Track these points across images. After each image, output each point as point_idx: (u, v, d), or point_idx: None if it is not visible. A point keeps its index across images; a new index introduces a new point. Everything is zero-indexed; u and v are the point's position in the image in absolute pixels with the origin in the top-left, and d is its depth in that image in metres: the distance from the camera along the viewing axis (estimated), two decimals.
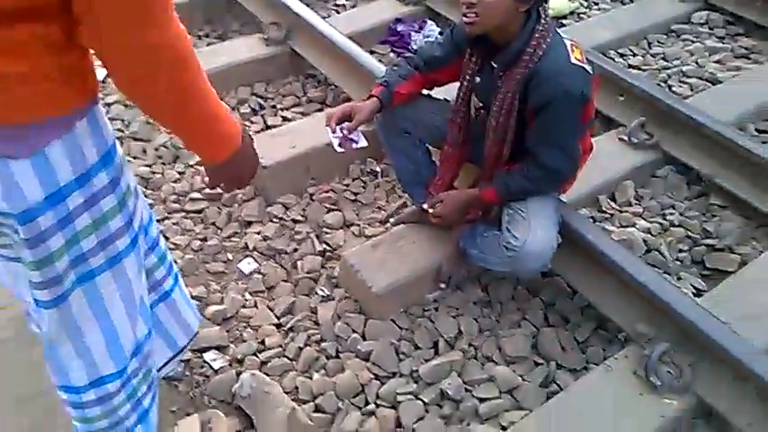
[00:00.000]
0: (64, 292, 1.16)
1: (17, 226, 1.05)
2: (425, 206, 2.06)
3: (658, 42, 3.38)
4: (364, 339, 2.03)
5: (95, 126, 1.09)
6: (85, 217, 1.11)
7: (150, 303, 1.42)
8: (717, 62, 3.19)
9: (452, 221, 2.02)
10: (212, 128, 1.13)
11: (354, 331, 2.04)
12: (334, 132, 1.97)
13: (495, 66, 1.81)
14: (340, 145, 1.97)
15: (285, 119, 2.92)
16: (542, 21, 1.72)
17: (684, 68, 3.13)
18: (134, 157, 2.78)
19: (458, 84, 1.95)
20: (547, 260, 1.84)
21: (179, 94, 1.02)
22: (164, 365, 1.61)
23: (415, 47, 3.28)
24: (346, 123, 1.94)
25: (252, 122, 2.92)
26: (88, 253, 1.15)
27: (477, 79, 1.88)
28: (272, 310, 2.15)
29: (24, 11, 0.89)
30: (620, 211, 2.41)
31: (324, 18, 3.27)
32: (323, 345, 2.03)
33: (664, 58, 3.25)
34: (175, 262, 2.28)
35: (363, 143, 2.00)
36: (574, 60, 1.73)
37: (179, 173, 2.70)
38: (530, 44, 1.70)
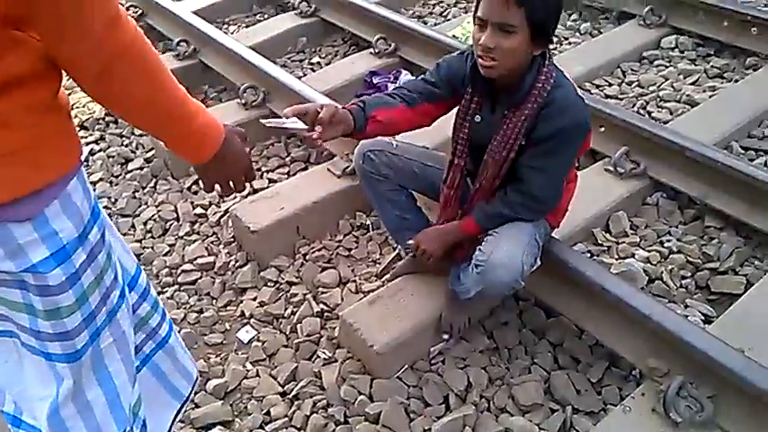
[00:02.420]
0: (78, 349, 1.16)
1: (24, 275, 1.05)
2: (410, 242, 2.00)
3: (632, 70, 3.43)
4: (372, 401, 1.97)
5: (83, 181, 1.11)
6: (89, 273, 1.12)
7: (149, 352, 1.41)
8: (692, 84, 3.23)
9: (438, 256, 1.95)
10: (187, 122, 1.12)
11: (361, 393, 1.99)
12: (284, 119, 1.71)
13: (495, 104, 1.80)
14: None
15: (271, 180, 2.90)
16: (548, 58, 1.72)
17: (661, 93, 3.17)
18: (123, 234, 2.74)
19: (454, 128, 1.91)
20: (516, 274, 1.74)
21: (144, 88, 1.02)
22: (173, 422, 1.55)
23: None
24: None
25: None
26: (95, 310, 1.16)
27: (478, 118, 1.84)
28: (275, 378, 2.10)
29: (11, 81, 0.91)
30: (617, 243, 2.39)
31: (299, 78, 3.30)
32: (330, 410, 1.96)
33: (639, 86, 3.29)
34: None
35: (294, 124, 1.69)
36: (579, 92, 1.76)
37: (169, 245, 2.67)
38: (539, 79, 1.70)
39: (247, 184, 1.36)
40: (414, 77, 3.37)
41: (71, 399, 1.21)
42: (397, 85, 3.30)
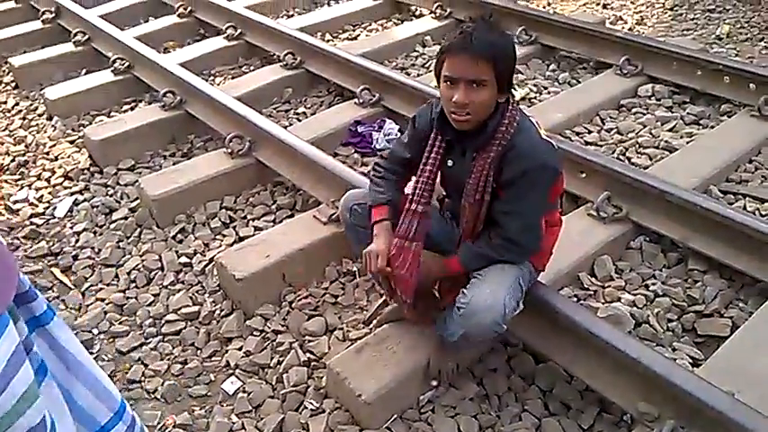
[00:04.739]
0: None
1: None
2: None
3: (610, 118, 3.51)
4: None
5: None
6: None
7: None
8: (670, 130, 3.31)
9: (424, 289, 1.96)
10: None
11: None
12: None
13: (465, 148, 1.83)
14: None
15: (257, 228, 2.90)
16: (511, 101, 1.78)
17: (640, 140, 3.24)
18: (106, 284, 2.72)
19: (419, 171, 1.91)
20: (497, 317, 1.75)
21: None
22: None
23: (377, 145, 3.35)
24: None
25: (224, 236, 2.90)
26: None
27: (450, 162, 1.88)
28: (261, 430, 2.05)
29: None
30: (603, 287, 2.40)
31: (285, 127, 3.33)
32: None
33: (618, 132, 3.36)
34: (155, 390, 2.21)
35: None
36: (544, 135, 1.79)
37: (153, 295, 2.64)
38: (502, 123, 1.75)
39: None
40: (397, 127, 3.44)
41: None
42: (382, 133, 3.38)
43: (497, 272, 1.83)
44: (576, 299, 2.34)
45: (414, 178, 1.95)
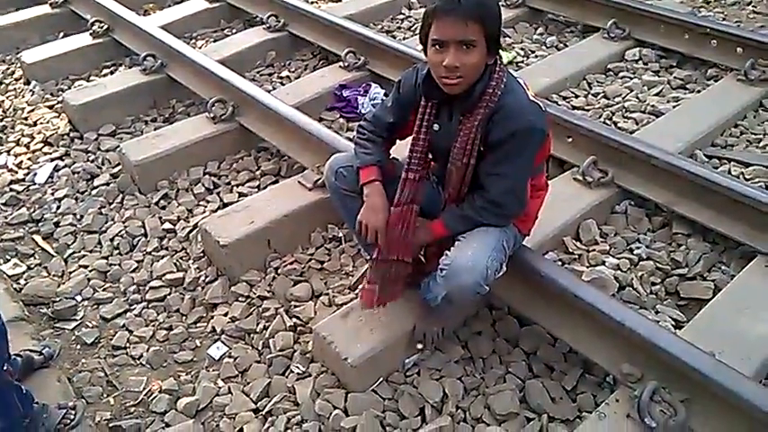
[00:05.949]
0: None
1: None
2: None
3: (597, 82, 3.49)
4: (347, 415, 1.94)
5: None
6: None
7: None
8: (656, 95, 3.30)
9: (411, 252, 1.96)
10: None
11: (336, 407, 1.96)
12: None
13: (452, 111, 1.81)
14: None
15: (241, 194, 2.87)
16: (498, 63, 1.75)
17: (626, 104, 3.23)
18: (89, 251, 2.69)
19: (411, 139, 1.91)
20: (479, 278, 1.74)
21: None
22: None
23: (363, 110, 3.30)
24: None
25: (208, 202, 2.87)
26: None
27: (436, 126, 1.86)
28: (247, 394, 2.06)
29: None
30: (588, 251, 2.41)
31: (269, 91, 3.28)
32: (304, 426, 1.94)
33: (605, 97, 3.34)
34: (140, 356, 2.21)
35: None
36: (531, 97, 1.76)
37: (137, 261, 2.62)
38: (489, 84, 1.72)
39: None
40: (383, 91, 3.39)
41: None
42: (368, 98, 3.33)
43: (481, 234, 1.82)
44: (560, 263, 2.35)
45: (407, 145, 1.92)
